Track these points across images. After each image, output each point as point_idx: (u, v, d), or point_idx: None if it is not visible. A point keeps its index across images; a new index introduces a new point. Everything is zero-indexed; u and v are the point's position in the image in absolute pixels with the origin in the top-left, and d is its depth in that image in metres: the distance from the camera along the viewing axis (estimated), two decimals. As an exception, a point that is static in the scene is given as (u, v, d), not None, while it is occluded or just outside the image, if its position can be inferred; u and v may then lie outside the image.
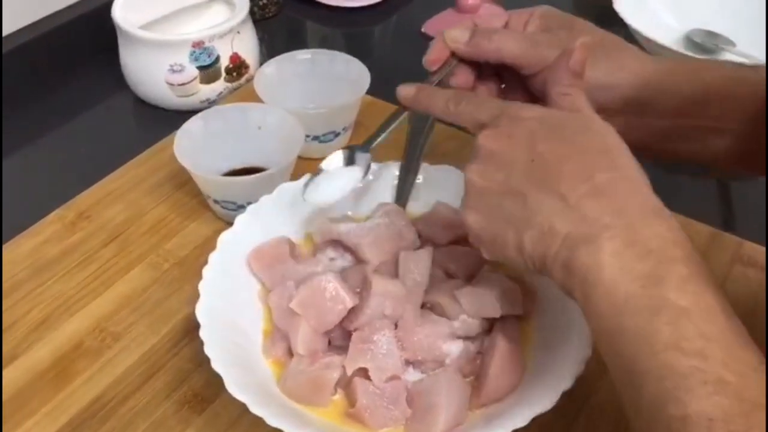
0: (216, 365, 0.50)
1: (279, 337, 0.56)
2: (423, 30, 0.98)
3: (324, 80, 0.79)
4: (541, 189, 0.43)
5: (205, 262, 0.57)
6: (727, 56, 0.93)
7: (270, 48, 0.98)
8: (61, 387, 0.57)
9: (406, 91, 0.53)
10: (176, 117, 0.83)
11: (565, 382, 0.49)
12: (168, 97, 0.84)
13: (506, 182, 0.44)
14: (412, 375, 0.54)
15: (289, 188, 0.63)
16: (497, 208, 0.45)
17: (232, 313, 0.55)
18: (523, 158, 0.44)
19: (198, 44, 0.81)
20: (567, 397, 0.49)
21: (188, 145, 0.68)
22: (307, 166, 0.73)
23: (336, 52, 0.79)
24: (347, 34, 1.04)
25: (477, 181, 0.46)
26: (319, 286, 0.54)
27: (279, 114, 0.71)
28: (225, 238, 0.59)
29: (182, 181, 0.74)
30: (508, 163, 0.44)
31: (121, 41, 0.84)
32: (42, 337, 0.60)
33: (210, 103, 0.85)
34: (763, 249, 0.66)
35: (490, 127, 0.46)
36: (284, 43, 1.02)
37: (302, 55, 0.79)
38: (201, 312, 0.53)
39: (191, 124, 0.70)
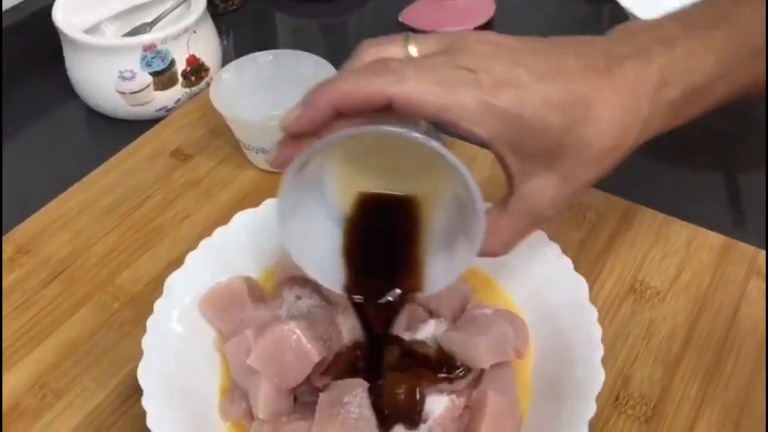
0: (161, 440, 0.43)
1: (238, 395, 0.48)
2: (400, 19, 0.89)
3: (290, 83, 0.70)
4: None
5: (154, 308, 0.50)
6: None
7: (236, 45, 0.90)
8: (-7, 459, 0.50)
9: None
10: (131, 127, 0.76)
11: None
12: (121, 107, 0.76)
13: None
14: (391, 435, 0.46)
15: (246, 219, 0.55)
16: None
17: (183, 371, 0.48)
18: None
19: (149, 48, 0.73)
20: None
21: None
22: (270, 179, 0.66)
23: (302, 52, 0.71)
24: (320, 25, 0.96)
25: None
26: (281, 337, 0.47)
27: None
28: (173, 281, 0.51)
29: (135, 204, 0.66)
30: None
31: (65, 47, 0.76)
32: (-24, 397, 0.53)
33: (167, 111, 0.77)
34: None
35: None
36: (251, 38, 0.94)
37: (264, 56, 0.71)
38: (144, 375, 0.46)
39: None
